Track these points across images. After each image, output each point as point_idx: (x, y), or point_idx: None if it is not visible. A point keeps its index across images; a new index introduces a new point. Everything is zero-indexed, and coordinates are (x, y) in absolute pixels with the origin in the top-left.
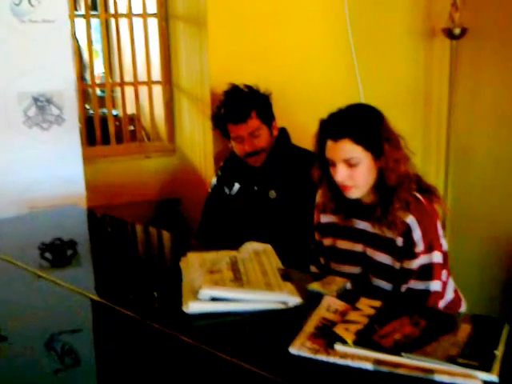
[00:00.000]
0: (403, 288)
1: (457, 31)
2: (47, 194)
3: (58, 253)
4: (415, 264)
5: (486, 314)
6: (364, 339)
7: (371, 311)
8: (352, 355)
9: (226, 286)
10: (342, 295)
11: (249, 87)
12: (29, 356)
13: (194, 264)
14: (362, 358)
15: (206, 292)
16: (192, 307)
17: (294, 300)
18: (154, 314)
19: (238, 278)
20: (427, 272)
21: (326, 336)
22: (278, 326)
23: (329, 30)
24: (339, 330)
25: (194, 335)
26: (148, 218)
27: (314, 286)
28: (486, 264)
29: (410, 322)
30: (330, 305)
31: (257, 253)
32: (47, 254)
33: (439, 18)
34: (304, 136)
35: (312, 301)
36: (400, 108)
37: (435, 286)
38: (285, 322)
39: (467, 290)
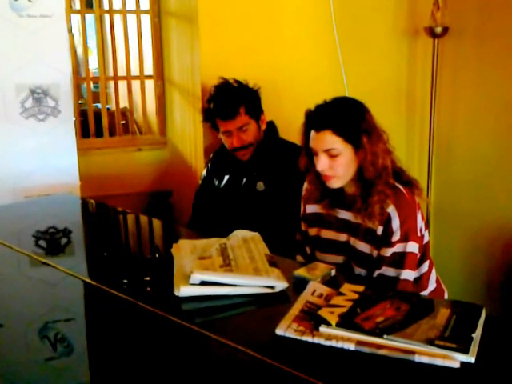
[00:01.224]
0: (375, 273)
1: (438, 30)
2: (42, 183)
3: (52, 240)
4: (390, 252)
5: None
6: (347, 322)
7: (355, 296)
8: (336, 336)
9: (215, 271)
10: (327, 281)
11: (238, 82)
12: (22, 340)
13: (185, 250)
14: (345, 340)
15: (197, 276)
16: (183, 291)
17: (280, 285)
18: (146, 297)
19: (228, 264)
20: (399, 260)
21: (312, 319)
22: (265, 309)
23: (315, 27)
24: (324, 313)
25: (184, 317)
26: (139, 209)
27: (300, 272)
28: (469, 256)
29: (391, 306)
30: (315, 290)
31: (245, 240)
32: (42, 241)
33: (422, 17)
34: (291, 129)
35: (298, 286)
36: (384, 104)
37: (406, 274)
38: (271, 306)
39: (450, 281)
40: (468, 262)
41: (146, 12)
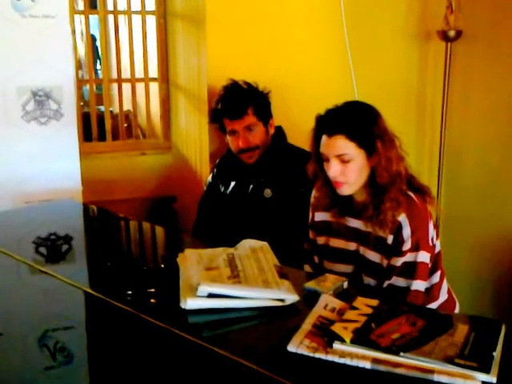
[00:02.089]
0: (385, 284)
1: (451, 34)
2: (43, 188)
3: (53, 247)
4: (400, 261)
5: (476, 314)
6: (362, 338)
7: (368, 310)
8: (350, 354)
9: (223, 283)
10: (339, 294)
11: (248, 84)
12: (21, 350)
13: (191, 260)
14: (360, 357)
15: (204, 288)
16: (190, 303)
17: (291, 297)
18: (151, 310)
19: (236, 275)
20: (410, 270)
21: (325, 334)
22: (275, 323)
23: (325, 30)
24: (337, 328)
25: (191, 331)
26: (143, 215)
27: (311, 284)
28: (478, 265)
29: (407, 322)
30: (328, 303)
31: (254, 250)
32: (42, 248)
33: (434, 21)
34: (299, 134)
35: (309, 299)
36: (394, 109)
37: (417, 285)
38: (282, 320)
39: (457, 289)
40: (476, 270)
41: (151, 13)
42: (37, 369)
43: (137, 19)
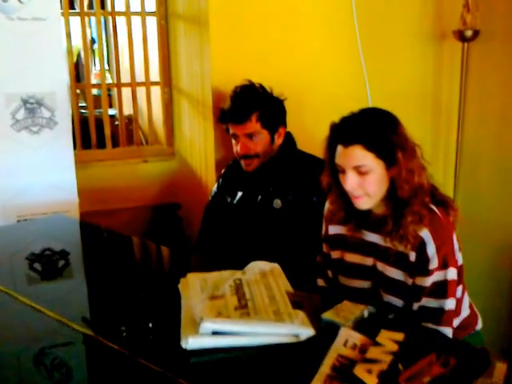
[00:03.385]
0: (415, 306)
1: (468, 33)
2: (36, 201)
3: (39, 272)
4: (428, 281)
5: (494, 319)
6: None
7: (394, 347)
8: None
9: (230, 318)
10: (360, 325)
11: (262, 87)
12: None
13: (194, 287)
14: None
15: (208, 326)
16: (192, 343)
17: (306, 332)
18: (148, 349)
19: (243, 305)
20: (441, 289)
21: (346, 379)
22: (289, 362)
23: (335, 31)
24: (360, 371)
25: (193, 375)
26: (146, 223)
27: (329, 315)
28: (495, 268)
29: (437, 361)
30: (348, 339)
31: (263, 274)
32: (32, 273)
33: (450, 20)
34: (309, 140)
35: (326, 332)
36: (408, 113)
37: (450, 304)
38: (297, 359)
39: (473, 296)
40: (494, 274)
41: (151, 14)
42: None
43: (136, 21)
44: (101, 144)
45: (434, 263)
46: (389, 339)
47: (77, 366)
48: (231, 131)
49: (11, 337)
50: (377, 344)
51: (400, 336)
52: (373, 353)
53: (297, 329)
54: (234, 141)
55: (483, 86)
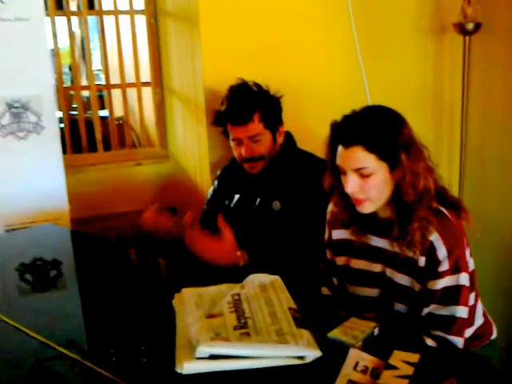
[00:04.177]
0: (424, 312)
1: (469, 26)
2: (25, 209)
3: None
4: (440, 285)
5: (504, 317)
6: None
7: (409, 370)
8: None
9: (228, 339)
10: (370, 344)
11: (258, 86)
12: None
13: (189, 303)
14: None
15: (205, 350)
16: (187, 368)
17: (311, 353)
18: (140, 375)
19: (243, 325)
20: (453, 295)
21: None
22: None
23: (331, 27)
24: None
25: None
26: (139, 228)
27: (336, 334)
28: (503, 265)
29: None
30: (358, 361)
31: (263, 287)
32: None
33: (449, 13)
34: (306, 139)
35: (333, 352)
36: (409, 110)
37: (461, 312)
38: (302, 382)
39: (483, 301)
40: (502, 271)
41: (140, 12)
42: None
43: (125, 20)
44: (92, 147)
45: (445, 265)
46: (402, 361)
47: None
48: (232, 135)
49: None
50: (390, 367)
51: (415, 357)
52: (386, 377)
53: (302, 351)
54: (233, 144)
55: (486, 81)
